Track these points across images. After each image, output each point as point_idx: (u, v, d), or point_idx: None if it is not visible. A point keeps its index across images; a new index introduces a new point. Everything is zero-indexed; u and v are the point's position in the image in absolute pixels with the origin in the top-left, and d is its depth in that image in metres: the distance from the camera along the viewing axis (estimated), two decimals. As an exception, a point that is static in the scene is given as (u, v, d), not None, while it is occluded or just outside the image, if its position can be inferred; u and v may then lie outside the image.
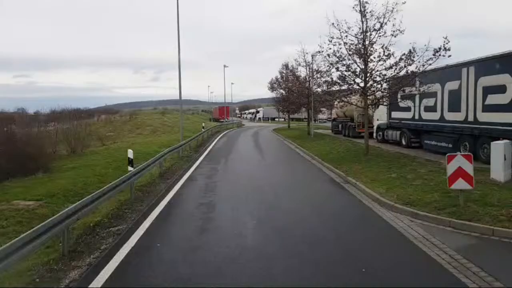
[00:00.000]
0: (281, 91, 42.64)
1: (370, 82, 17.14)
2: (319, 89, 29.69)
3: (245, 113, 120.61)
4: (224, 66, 49.36)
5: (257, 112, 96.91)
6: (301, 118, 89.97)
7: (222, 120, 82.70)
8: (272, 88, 43.41)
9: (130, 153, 12.88)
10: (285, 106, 42.91)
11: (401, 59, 16.00)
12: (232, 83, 74.96)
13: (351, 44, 16.48)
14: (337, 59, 16.94)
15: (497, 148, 10.39)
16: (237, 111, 70.89)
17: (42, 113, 39.91)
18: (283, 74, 42.53)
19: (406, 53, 15.87)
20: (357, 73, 16.94)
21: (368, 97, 17.56)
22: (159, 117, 53.81)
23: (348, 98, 19.09)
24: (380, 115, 24.59)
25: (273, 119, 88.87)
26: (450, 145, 15.92)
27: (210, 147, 26.07)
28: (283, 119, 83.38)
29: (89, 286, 5.07)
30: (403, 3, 15.25)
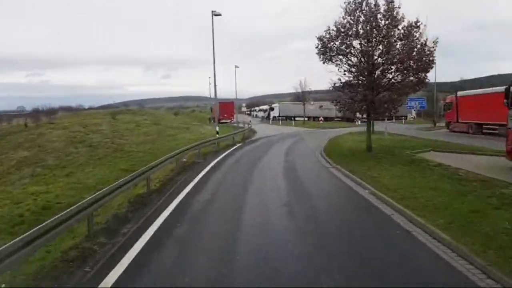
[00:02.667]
0: (353, 59, 15.96)
1: None
2: None
3: (255, 110, 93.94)
4: (213, 13, 22.58)
5: (271, 109, 70.24)
6: (332, 117, 63.30)
7: (224, 121, 56.55)
8: (324, 54, 16.50)
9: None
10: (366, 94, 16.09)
11: None
12: (236, 66, 47.18)
13: None
14: None
15: None
16: (244, 108, 44.25)
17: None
18: (356, 16, 15.74)
19: None
20: None
21: None
22: (98, 122, 27.51)
23: None
24: None
25: (292, 118, 62.38)
26: None
27: None
28: (306, 119, 56.70)
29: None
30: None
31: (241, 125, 45.62)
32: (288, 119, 63.80)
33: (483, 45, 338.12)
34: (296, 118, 59.64)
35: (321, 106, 61.47)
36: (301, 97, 57.75)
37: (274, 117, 66.39)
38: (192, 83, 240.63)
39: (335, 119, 59.95)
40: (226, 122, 56.01)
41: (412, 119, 57.11)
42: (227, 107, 57.60)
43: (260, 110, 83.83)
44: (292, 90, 63.77)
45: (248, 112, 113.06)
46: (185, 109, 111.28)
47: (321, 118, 47.15)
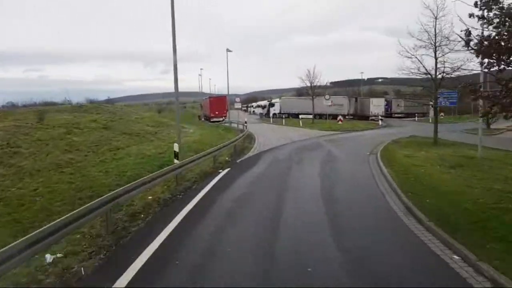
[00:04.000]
0: None
1: None
2: None
3: (252, 106, 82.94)
4: None
5: (271, 105, 59.10)
6: (343, 114, 51.51)
7: (215, 120, 45.60)
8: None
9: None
10: None
11: None
12: (228, 50, 35.46)
13: None
14: None
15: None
16: (237, 104, 32.80)
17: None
18: None
19: None
20: None
21: None
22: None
23: None
24: None
25: (297, 116, 51.52)
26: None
27: None
28: (315, 117, 45.51)
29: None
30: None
31: (234, 124, 34.50)
32: (291, 116, 52.75)
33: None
34: (301, 116, 48.46)
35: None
36: (308, 90, 46.34)
37: (275, 114, 55.39)
38: (191, 78, 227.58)
39: (347, 117, 48.92)
40: (218, 121, 44.93)
41: (442, 116, 46.06)
42: (219, 103, 46.29)
43: (258, 106, 72.62)
44: (292, 85, 52.91)
45: (245, 108, 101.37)
46: (173, 104, 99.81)
47: (341, 117, 35.96)
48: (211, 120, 46.90)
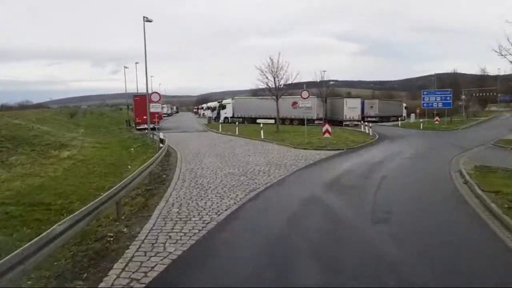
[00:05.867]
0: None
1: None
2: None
3: (202, 108, 70.02)
4: None
5: (222, 107, 46.06)
6: (312, 119, 39.12)
7: (142, 127, 32.11)
8: None
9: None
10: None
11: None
12: (147, 20, 21.62)
13: None
14: None
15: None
16: (155, 105, 18.88)
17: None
18: None
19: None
20: None
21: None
22: None
23: None
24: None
25: (252, 120, 39.56)
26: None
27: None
28: (277, 121, 33.33)
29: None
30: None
31: (161, 135, 20.91)
32: (246, 121, 40.33)
33: (421, 47, 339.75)
34: (260, 121, 36.08)
35: (294, 103, 38.23)
36: (266, 91, 33.80)
37: (226, 118, 42.70)
38: (142, 79, 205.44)
39: (315, 122, 37.42)
40: (146, 129, 31.11)
41: (437, 122, 35.73)
42: (145, 104, 32.35)
43: (208, 108, 59.34)
44: (248, 87, 40.88)
45: (195, 111, 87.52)
46: (112, 106, 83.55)
47: (328, 128, 22.51)
48: (138, 127, 33.03)
